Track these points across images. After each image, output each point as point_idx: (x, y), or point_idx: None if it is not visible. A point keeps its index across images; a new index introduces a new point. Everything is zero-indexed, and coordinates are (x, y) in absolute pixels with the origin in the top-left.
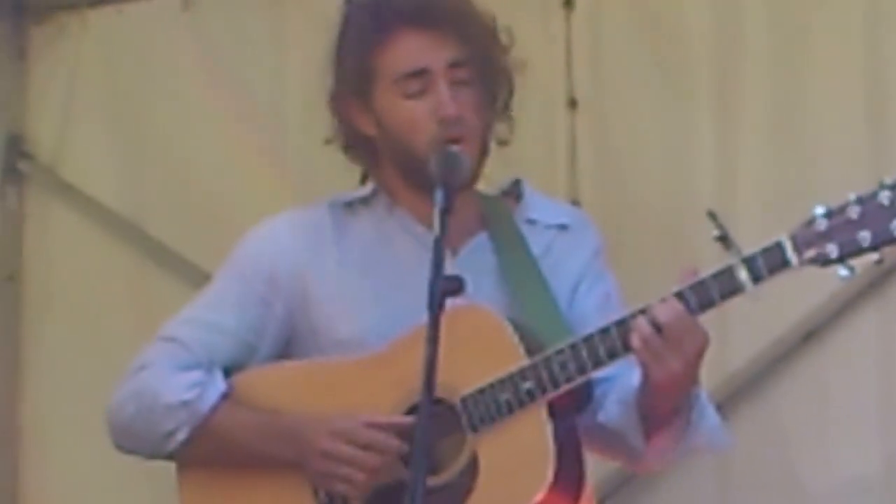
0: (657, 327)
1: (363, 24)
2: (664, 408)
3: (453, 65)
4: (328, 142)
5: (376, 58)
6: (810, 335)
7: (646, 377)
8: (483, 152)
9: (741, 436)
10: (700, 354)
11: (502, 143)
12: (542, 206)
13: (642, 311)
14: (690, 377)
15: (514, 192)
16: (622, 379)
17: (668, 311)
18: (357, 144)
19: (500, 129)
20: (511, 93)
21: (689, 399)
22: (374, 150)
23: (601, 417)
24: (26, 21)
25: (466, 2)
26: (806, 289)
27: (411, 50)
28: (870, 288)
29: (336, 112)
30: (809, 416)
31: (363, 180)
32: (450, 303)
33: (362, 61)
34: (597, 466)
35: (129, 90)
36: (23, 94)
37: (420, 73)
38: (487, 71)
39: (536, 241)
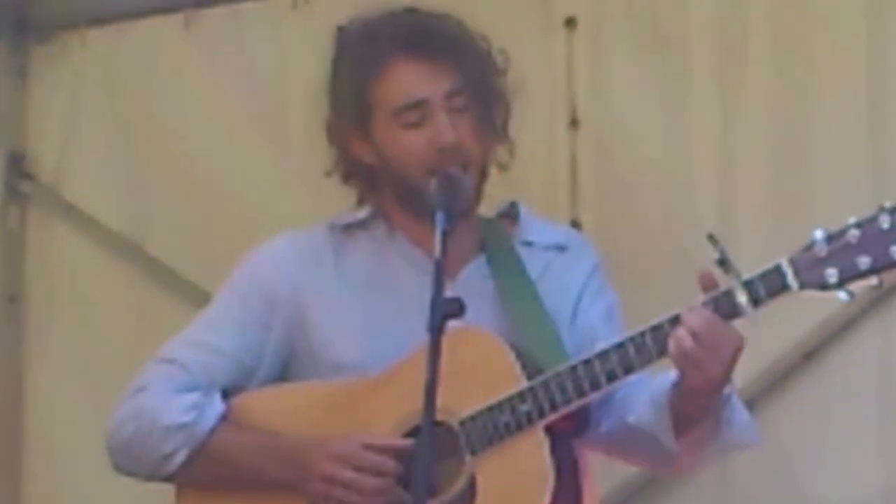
0: (692, 335)
1: (358, 54)
2: (698, 408)
3: (450, 94)
4: (328, 174)
5: (373, 90)
6: (810, 355)
7: (683, 381)
8: (482, 178)
9: (741, 457)
10: (736, 356)
11: (502, 167)
12: (538, 228)
13: (654, 329)
14: (727, 378)
15: (510, 214)
16: (647, 381)
17: (700, 319)
18: (356, 172)
19: (500, 152)
20: (508, 115)
21: (721, 398)
22: (374, 177)
23: (632, 420)
24: (28, 40)
25: (460, 27)
26: (806, 309)
27: (408, 82)
28: (870, 308)
29: (334, 141)
30: (809, 436)
31: (360, 203)
32: (450, 326)
33: (359, 93)
34: (598, 484)
35: (130, 109)
36: (24, 113)
37: (418, 105)
38: (484, 96)
39: (534, 263)
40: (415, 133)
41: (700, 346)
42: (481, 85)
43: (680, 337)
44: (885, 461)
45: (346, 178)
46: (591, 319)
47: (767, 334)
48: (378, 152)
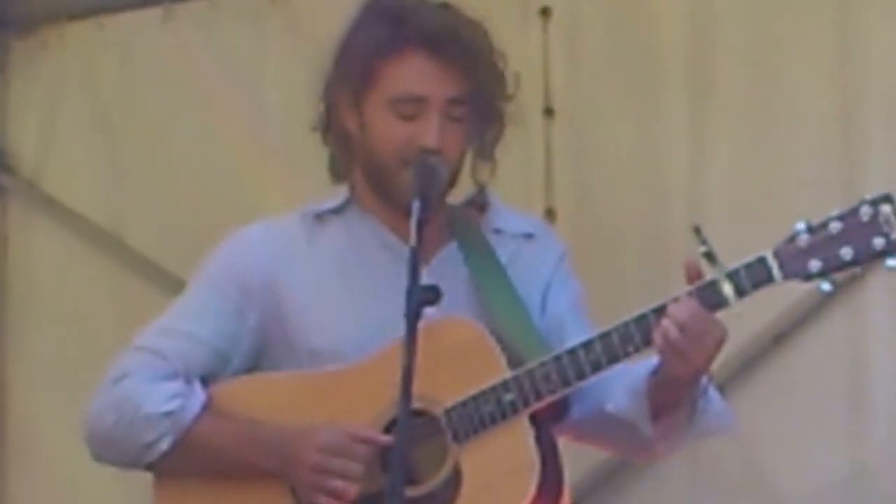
0: (678, 326)
1: (379, 30)
2: (676, 397)
3: (452, 101)
4: (314, 129)
5: (381, 68)
6: (779, 339)
7: (665, 370)
8: (452, 182)
9: (710, 441)
10: (719, 347)
11: (479, 185)
12: (506, 216)
13: (638, 319)
14: (708, 368)
15: (479, 201)
16: (620, 369)
17: (685, 310)
18: (336, 135)
19: (482, 170)
20: (500, 137)
21: (698, 387)
22: (350, 146)
23: (610, 407)
24: (6, 35)
25: (485, 40)
26: (775, 293)
27: (417, 75)
28: (839, 293)
29: (326, 98)
30: (778, 419)
31: (331, 171)
32: (432, 314)
33: (367, 66)
34: (569, 470)
35: (109, 103)
36: (4, 108)
37: (417, 100)
38: (483, 113)
39: (503, 250)
40: (403, 125)
41: (685, 337)
42: (484, 102)
43: (666, 328)
44: (853, 445)
45: (325, 136)
46: (558, 309)
47: (737, 318)
48: (362, 126)
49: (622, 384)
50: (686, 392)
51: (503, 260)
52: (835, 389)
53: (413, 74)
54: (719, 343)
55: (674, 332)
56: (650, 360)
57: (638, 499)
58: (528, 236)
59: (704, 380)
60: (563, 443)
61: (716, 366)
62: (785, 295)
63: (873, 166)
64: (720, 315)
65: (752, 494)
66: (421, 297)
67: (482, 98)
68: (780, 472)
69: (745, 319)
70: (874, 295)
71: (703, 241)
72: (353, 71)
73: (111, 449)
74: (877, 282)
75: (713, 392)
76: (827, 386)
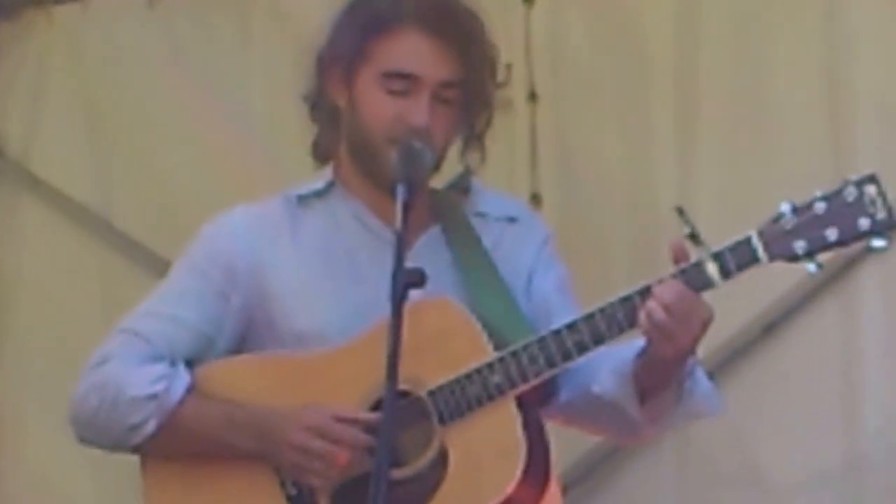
0: (664, 307)
1: (377, 6)
2: (662, 378)
3: (444, 83)
4: (303, 100)
5: (375, 42)
6: (770, 328)
7: (651, 352)
8: (437, 166)
9: (701, 428)
10: (705, 328)
11: (470, 172)
12: (489, 200)
13: (624, 300)
14: (694, 349)
15: (461, 185)
16: (609, 350)
17: (671, 292)
18: (324, 109)
19: (472, 157)
20: (488, 126)
21: (685, 368)
22: (337, 122)
23: (596, 389)
24: None
25: (482, 27)
26: (766, 282)
27: (411, 52)
28: (830, 281)
29: (317, 71)
30: (769, 408)
31: (315, 150)
32: (415, 296)
33: (361, 40)
34: (559, 456)
35: (96, 85)
36: None
37: (409, 77)
38: (474, 99)
39: (487, 234)
40: (393, 101)
41: (671, 318)
42: (476, 88)
43: (651, 309)
44: (844, 435)
45: (313, 110)
46: (544, 290)
47: (728, 307)
48: (351, 100)
49: (609, 366)
50: (673, 373)
51: (487, 244)
52: (826, 379)
53: (407, 51)
54: (705, 324)
55: (659, 313)
56: (637, 341)
57: (627, 487)
58: (512, 220)
59: (691, 361)
60: (554, 430)
61: (706, 355)
62: (776, 284)
63: (862, 166)
64: (712, 302)
65: (743, 484)
66: (406, 280)
67: (474, 84)
68: (771, 461)
69: (735, 309)
70: (866, 285)
71: (687, 222)
72: (347, 45)
73: (96, 431)
74: (869, 271)
75: (700, 374)
76: (818, 376)
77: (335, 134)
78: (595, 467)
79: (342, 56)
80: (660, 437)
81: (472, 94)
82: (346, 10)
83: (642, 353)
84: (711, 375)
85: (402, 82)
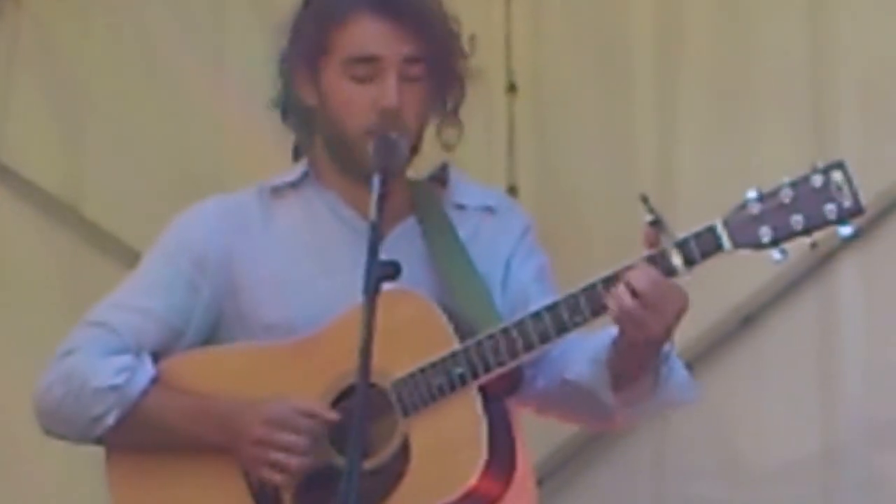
0: (634, 294)
1: (328, 0)
2: (636, 365)
3: (408, 60)
4: (273, 106)
5: (333, 34)
6: (748, 319)
7: (623, 339)
8: (414, 150)
9: (677, 421)
10: (679, 315)
11: (448, 147)
12: (468, 191)
13: (587, 289)
14: (668, 337)
15: (440, 177)
16: (586, 338)
17: (642, 277)
18: (296, 112)
19: (447, 132)
20: (462, 99)
21: (660, 356)
22: (311, 122)
23: (570, 376)
24: None
25: (436, 2)
26: (744, 273)
27: (368, 35)
28: (808, 273)
29: (283, 75)
30: (747, 400)
31: (295, 155)
32: (383, 287)
33: (319, 34)
34: (533, 449)
35: (67, 72)
36: None
37: (371, 60)
38: (441, 73)
39: (465, 225)
40: (360, 88)
41: (641, 304)
42: (441, 61)
43: (620, 295)
44: (821, 425)
45: (285, 114)
46: (522, 280)
47: (706, 298)
48: (321, 97)
49: (583, 353)
50: (646, 360)
51: (465, 235)
52: (803, 370)
53: (364, 35)
54: (679, 312)
55: (628, 300)
56: (612, 328)
57: (604, 479)
58: (490, 210)
59: (667, 348)
60: (528, 422)
61: (684, 345)
62: (753, 276)
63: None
64: (690, 293)
65: (720, 475)
66: (380, 273)
67: (438, 57)
68: (749, 452)
69: (714, 300)
70: (844, 277)
71: (651, 210)
72: (306, 43)
73: (60, 422)
74: (847, 263)
75: (676, 362)
76: (796, 367)
77: (309, 133)
78: (570, 459)
79: (304, 54)
80: (634, 423)
81: (438, 68)
82: (302, 9)
83: (616, 340)
84: (689, 366)
85: (366, 66)
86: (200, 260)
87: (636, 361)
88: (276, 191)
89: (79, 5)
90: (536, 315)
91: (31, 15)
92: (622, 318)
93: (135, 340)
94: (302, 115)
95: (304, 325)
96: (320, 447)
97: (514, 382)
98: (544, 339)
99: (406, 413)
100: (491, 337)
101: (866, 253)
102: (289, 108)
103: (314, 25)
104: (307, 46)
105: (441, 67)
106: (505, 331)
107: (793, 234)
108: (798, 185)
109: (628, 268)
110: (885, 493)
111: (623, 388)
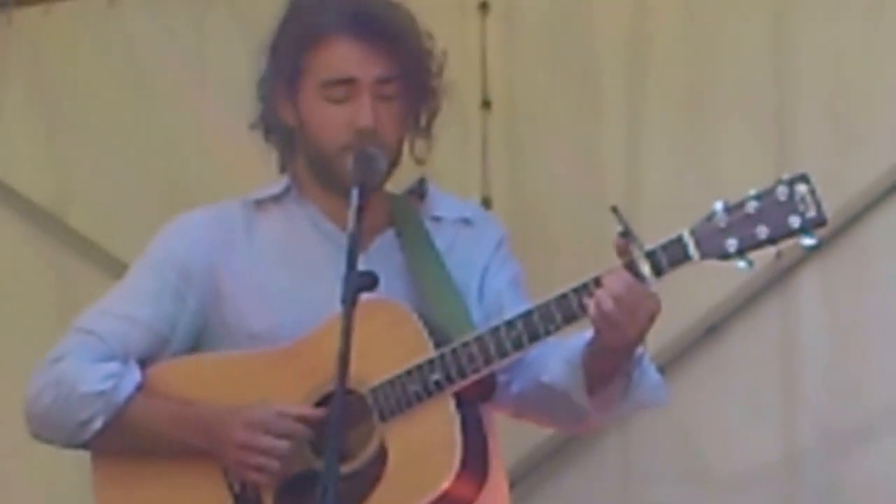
0: (613, 298)
1: (304, 20)
2: (610, 367)
3: (381, 80)
4: (252, 127)
5: (309, 57)
6: (713, 329)
7: (599, 341)
8: (397, 157)
9: (643, 428)
10: (653, 319)
11: (419, 161)
12: (445, 203)
13: (560, 298)
14: (641, 339)
15: (418, 190)
16: (560, 342)
17: (620, 282)
18: (276, 131)
19: (420, 147)
20: (435, 114)
21: (633, 359)
22: (291, 141)
23: (545, 379)
24: None
25: (408, 20)
26: (708, 284)
27: (342, 58)
28: (771, 283)
29: (262, 96)
30: (711, 409)
31: (282, 168)
32: (362, 297)
33: (295, 57)
34: (504, 453)
35: (55, 87)
36: None
37: (346, 82)
38: (414, 90)
39: (442, 237)
40: (337, 109)
41: (619, 308)
42: (414, 79)
43: (600, 298)
44: (784, 434)
45: (267, 134)
46: (497, 288)
47: (671, 308)
48: (300, 117)
49: (558, 356)
50: (620, 363)
51: (442, 246)
52: (767, 378)
53: (339, 57)
54: (652, 316)
55: (608, 303)
56: (586, 332)
57: (572, 483)
58: (466, 222)
59: (639, 351)
60: (500, 426)
61: (650, 354)
62: (718, 286)
63: (808, 166)
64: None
65: (685, 482)
66: (358, 283)
67: (411, 75)
68: (714, 458)
69: (679, 310)
70: (806, 288)
71: (621, 221)
72: (283, 66)
73: (48, 427)
74: (808, 274)
75: (648, 365)
76: (759, 376)
77: (293, 154)
78: (540, 464)
79: (282, 76)
80: (606, 425)
81: (411, 85)
82: (278, 32)
83: (591, 343)
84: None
85: (342, 88)
86: (186, 270)
87: (610, 364)
88: (260, 203)
89: (67, 20)
90: (510, 323)
91: (21, 32)
92: (600, 320)
93: (121, 348)
94: (283, 134)
95: (287, 335)
96: (300, 451)
97: (487, 388)
98: (517, 346)
99: (383, 418)
100: (466, 344)
101: (827, 264)
102: (270, 128)
103: (291, 49)
104: (284, 69)
105: (415, 84)
106: (479, 338)
107: (758, 244)
108: (763, 196)
109: (598, 277)
110: (845, 499)
111: (597, 390)
